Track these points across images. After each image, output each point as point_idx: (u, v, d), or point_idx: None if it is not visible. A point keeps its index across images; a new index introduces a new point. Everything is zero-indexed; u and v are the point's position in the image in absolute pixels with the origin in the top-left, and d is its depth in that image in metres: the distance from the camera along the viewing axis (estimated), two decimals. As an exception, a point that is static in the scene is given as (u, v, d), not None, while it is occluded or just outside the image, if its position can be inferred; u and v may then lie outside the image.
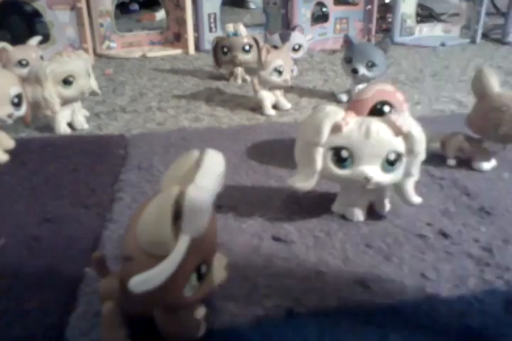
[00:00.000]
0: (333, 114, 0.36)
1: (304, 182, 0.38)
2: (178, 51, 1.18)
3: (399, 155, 0.36)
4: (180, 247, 0.22)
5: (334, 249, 0.36)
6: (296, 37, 0.89)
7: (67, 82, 0.60)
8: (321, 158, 0.37)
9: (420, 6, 1.31)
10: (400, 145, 0.36)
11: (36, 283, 0.32)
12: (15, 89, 0.52)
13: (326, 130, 0.36)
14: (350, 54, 0.72)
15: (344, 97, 0.76)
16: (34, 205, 0.43)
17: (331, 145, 0.36)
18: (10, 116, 0.51)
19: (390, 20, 1.30)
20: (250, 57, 0.87)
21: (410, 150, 0.36)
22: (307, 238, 0.37)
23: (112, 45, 1.18)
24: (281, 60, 0.67)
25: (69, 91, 0.61)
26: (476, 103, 0.49)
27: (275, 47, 0.82)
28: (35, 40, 0.81)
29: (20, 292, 0.32)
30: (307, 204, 0.43)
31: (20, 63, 0.76)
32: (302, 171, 0.38)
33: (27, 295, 0.31)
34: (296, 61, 0.84)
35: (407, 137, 0.36)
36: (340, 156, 0.36)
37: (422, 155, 0.37)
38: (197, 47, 1.19)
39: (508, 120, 0.46)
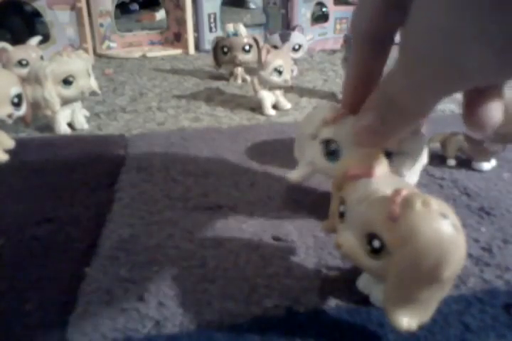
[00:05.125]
0: (327, 108, 0.36)
1: (295, 174, 0.38)
2: (178, 51, 1.18)
3: (387, 154, 0.36)
4: None
5: (334, 249, 0.36)
6: (296, 37, 0.89)
7: (67, 82, 0.60)
8: (311, 150, 0.37)
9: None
10: (388, 144, 0.35)
11: (36, 283, 0.32)
12: (15, 89, 0.52)
13: (317, 122, 0.35)
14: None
15: (344, 97, 0.76)
16: (34, 205, 0.43)
17: (322, 138, 0.36)
18: (10, 116, 0.51)
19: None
20: (250, 57, 0.87)
21: (399, 150, 0.36)
22: (307, 238, 0.37)
23: (112, 45, 1.18)
24: (281, 60, 0.67)
25: (69, 92, 0.61)
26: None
27: (275, 47, 0.82)
28: (35, 40, 0.81)
29: (20, 292, 0.32)
30: (307, 204, 0.43)
31: (20, 63, 0.76)
32: (299, 166, 0.39)
33: (27, 295, 0.31)
34: (296, 61, 0.84)
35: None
36: (329, 149, 0.36)
37: (415, 156, 0.37)
38: (197, 47, 1.19)
39: (508, 120, 0.46)
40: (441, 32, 0.16)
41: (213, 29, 1.18)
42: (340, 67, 0.77)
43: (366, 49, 0.26)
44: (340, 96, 0.77)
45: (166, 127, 0.66)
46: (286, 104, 0.72)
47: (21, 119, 0.55)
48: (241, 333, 0.28)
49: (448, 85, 0.18)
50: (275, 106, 0.71)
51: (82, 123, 0.65)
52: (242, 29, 0.87)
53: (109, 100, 0.79)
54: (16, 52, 0.77)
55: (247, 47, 0.86)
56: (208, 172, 0.49)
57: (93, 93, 0.65)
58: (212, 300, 0.30)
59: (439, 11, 0.16)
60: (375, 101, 0.23)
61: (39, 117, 0.62)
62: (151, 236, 0.38)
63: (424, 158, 0.37)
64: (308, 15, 1.18)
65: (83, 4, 1.03)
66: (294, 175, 0.39)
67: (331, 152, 0.36)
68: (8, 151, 0.54)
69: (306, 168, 0.38)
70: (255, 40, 0.87)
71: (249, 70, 0.90)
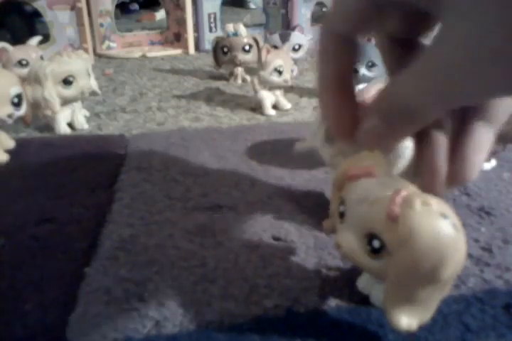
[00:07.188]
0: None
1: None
2: (178, 51, 1.18)
3: None
4: None
5: (334, 249, 0.36)
6: (296, 37, 0.89)
7: (67, 82, 0.60)
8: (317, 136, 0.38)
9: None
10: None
11: (36, 283, 0.33)
12: (15, 89, 0.52)
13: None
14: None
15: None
16: (33, 205, 0.43)
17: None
18: (10, 116, 0.51)
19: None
20: (250, 57, 0.87)
21: None
22: (307, 238, 0.37)
23: (112, 45, 1.18)
24: (281, 60, 0.67)
25: (69, 92, 0.61)
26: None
27: (275, 47, 0.82)
28: (35, 40, 0.82)
29: (20, 292, 0.32)
30: (307, 204, 0.43)
31: (20, 63, 0.76)
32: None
33: (27, 295, 0.31)
34: (296, 61, 0.84)
35: None
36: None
37: (401, 155, 0.36)
38: (197, 47, 1.19)
39: (509, 120, 0.46)
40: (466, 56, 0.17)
41: (213, 29, 1.18)
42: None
43: (344, 49, 0.26)
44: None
45: (166, 127, 0.66)
46: (286, 104, 0.72)
47: (21, 119, 0.55)
48: (241, 333, 0.28)
49: (459, 98, 0.19)
50: (275, 106, 0.71)
51: (82, 123, 0.65)
52: (242, 29, 0.87)
53: (109, 100, 0.79)
54: (16, 52, 0.77)
55: (247, 47, 0.86)
56: (208, 172, 0.49)
57: (93, 93, 0.65)
58: (212, 300, 0.30)
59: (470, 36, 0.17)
60: (380, 103, 0.23)
61: (39, 117, 0.62)
62: (151, 236, 0.38)
63: (409, 157, 0.38)
64: (308, 15, 1.18)
65: (83, 4, 1.03)
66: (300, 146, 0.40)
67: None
68: (8, 151, 0.54)
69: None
70: (255, 40, 0.87)
71: (249, 70, 0.90)
